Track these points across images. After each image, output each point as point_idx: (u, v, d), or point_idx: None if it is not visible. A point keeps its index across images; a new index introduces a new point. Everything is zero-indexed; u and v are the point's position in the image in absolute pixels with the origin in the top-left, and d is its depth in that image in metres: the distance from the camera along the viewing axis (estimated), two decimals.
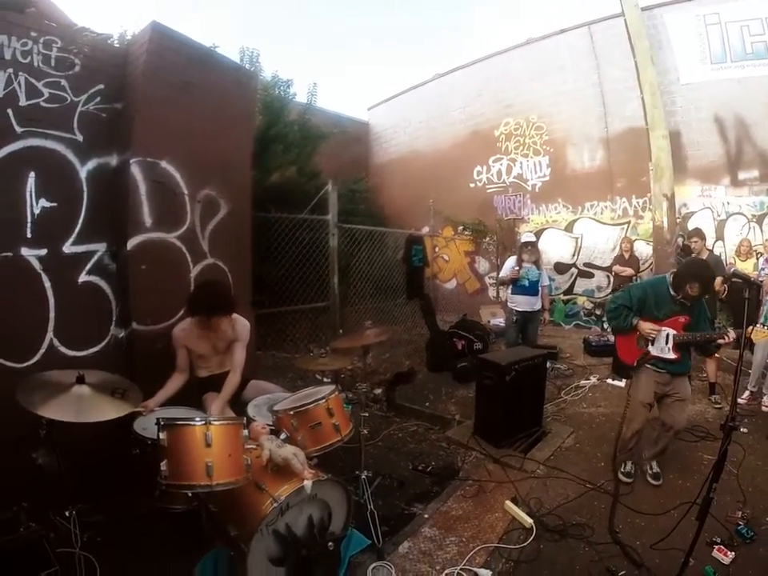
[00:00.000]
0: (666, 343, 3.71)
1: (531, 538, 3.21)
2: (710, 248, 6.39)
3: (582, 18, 10.86)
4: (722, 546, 2.96)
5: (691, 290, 3.53)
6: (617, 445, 4.30)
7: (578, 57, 10.77)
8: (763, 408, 5.28)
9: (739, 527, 3.18)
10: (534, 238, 6.97)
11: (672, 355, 3.71)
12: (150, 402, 3.31)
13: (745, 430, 4.65)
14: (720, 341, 3.57)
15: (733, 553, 2.92)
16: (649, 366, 3.83)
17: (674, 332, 3.69)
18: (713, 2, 9.14)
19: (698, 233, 6.26)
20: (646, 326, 3.71)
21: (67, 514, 2.64)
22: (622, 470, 4.00)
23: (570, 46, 10.95)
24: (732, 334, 3.48)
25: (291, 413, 3.06)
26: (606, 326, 9.69)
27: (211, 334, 3.73)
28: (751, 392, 5.58)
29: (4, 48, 3.24)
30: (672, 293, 3.69)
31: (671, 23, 9.50)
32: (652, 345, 3.78)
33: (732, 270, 4.24)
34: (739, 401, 5.43)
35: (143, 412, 3.21)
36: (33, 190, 3.45)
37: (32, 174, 3.44)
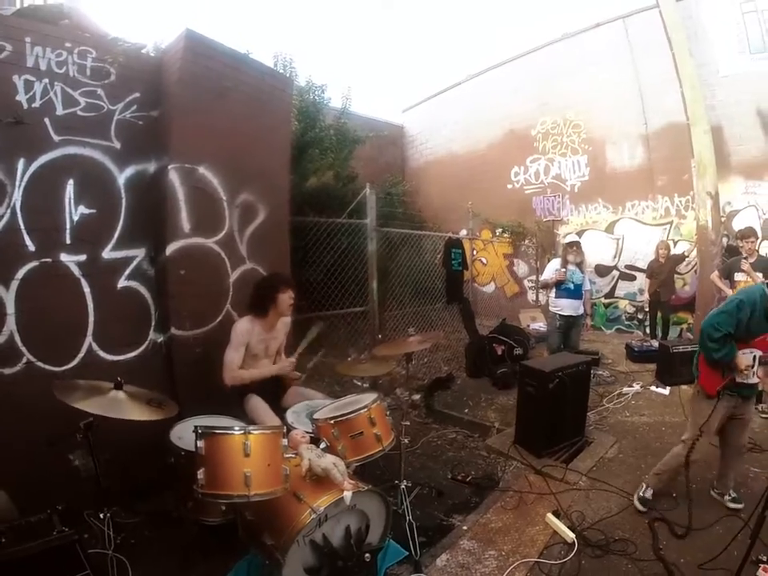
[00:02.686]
0: (753, 366, 3.23)
1: (573, 553, 3.11)
2: (757, 248, 6.09)
3: (617, 11, 10.57)
4: (767, 566, 2.78)
5: None
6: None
7: (613, 51, 10.47)
8: None
9: None
10: (578, 239, 6.77)
11: (755, 379, 3.28)
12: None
13: None
14: None
15: None
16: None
17: (761, 353, 3.24)
18: None
19: (754, 232, 6.01)
20: (742, 363, 3.18)
21: (102, 515, 2.66)
22: (640, 493, 3.64)
23: (605, 40, 10.67)
24: None
25: (332, 422, 3.00)
26: (648, 330, 9.45)
27: (268, 335, 3.81)
28: None
29: (39, 59, 3.31)
30: None
31: (707, 13, 9.10)
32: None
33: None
34: None
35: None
36: (72, 197, 3.51)
37: (70, 182, 3.50)
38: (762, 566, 2.78)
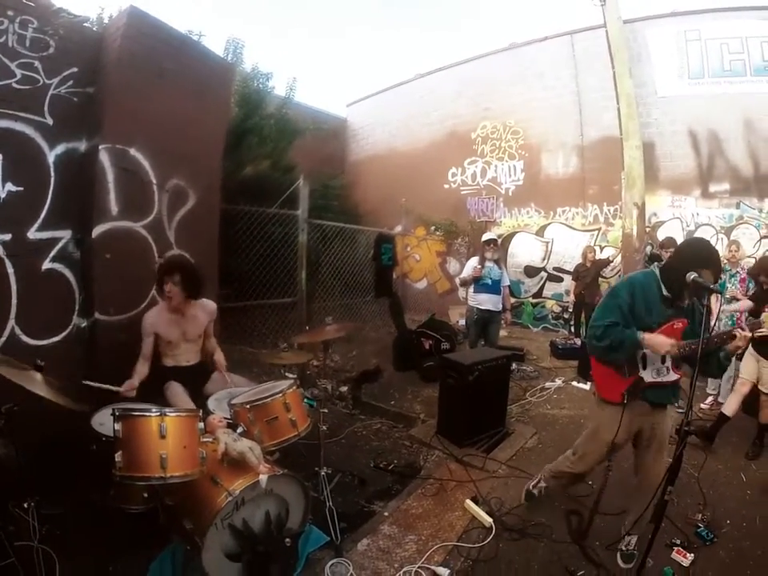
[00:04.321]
0: (663, 362, 2.79)
1: (490, 537, 3.24)
2: None
3: (565, 27, 10.98)
4: (681, 548, 3.01)
5: (698, 278, 2.51)
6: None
7: (558, 65, 10.89)
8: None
9: (699, 529, 3.24)
10: (495, 236, 6.96)
11: (673, 376, 2.81)
12: (128, 382, 3.32)
13: (707, 427, 4.66)
14: (730, 346, 2.65)
15: (692, 555, 2.97)
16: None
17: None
18: (695, 20, 9.34)
19: (674, 242, 6.38)
20: (659, 340, 2.63)
21: (26, 506, 2.60)
22: (531, 486, 3.59)
23: (551, 53, 11.06)
24: (746, 332, 2.59)
25: (248, 406, 3.03)
26: (572, 329, 9.86)
27: (181, 319, 3.74)
28: (714, 396, 5.69)
29: None
30: (664, 292, 2.75)
31: (652, 37, 9.68)
32: (644, 368, 2.82)
33: (692, 276, 4.01)
34: (702, 405, 5.61)
35: (122, 392, 3.22)
36: (0, 172, 3.37)
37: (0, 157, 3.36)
38: (675, 548, 3.01)
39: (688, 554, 2.97)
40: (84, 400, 2.89)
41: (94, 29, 4.11)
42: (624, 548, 2.96)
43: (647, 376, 2.81)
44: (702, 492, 3.65)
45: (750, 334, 2.59)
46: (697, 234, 9.07)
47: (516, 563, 3.01)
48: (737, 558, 3.05)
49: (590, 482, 3.80)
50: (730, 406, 4.58)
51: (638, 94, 9.04)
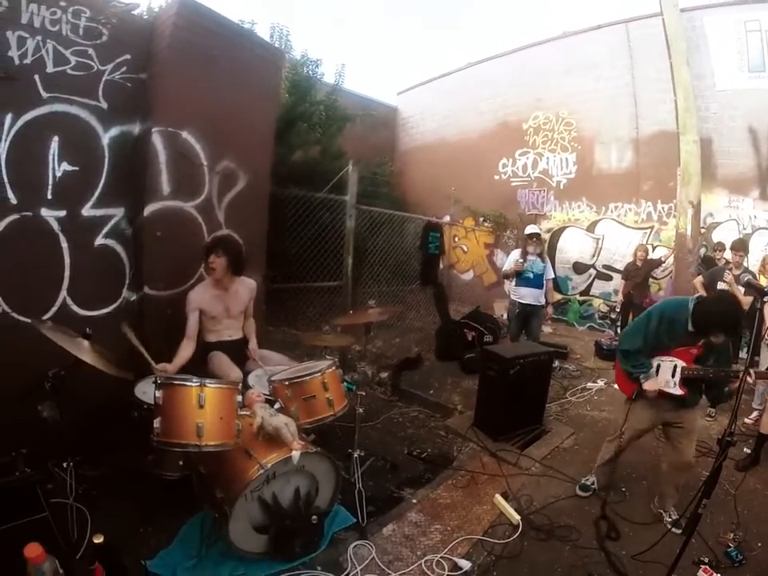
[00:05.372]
0: (673, 376, 3.17)
1: (516, 534, 3.23)
2: (746, 264, 6.20)
3: (620, 15, 10.60)
4: (708, 567, 2.88)
5: (715, 338, 3.03)
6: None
7: (612, 54, 10.53)
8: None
9: (729, 549, 3.11)
10: (537, 230, 6.84)
11: (678, 391, 3.17)
12: (169, 365, 3.39)
13: (748, 450, 4.45)
14: (733, 385, 3.08)
15: (719, 575, 2.86)
16: None
17: (684, 364, 3.15)
18: (755, 9, 8.84)
19: (744, 246, 6.12)
20: (650, 388, 3.19)
21: (65, 465, 2.75)
22: (584, 480, 3.84)
23: (605, 42, 10.70)
24: (752, 377, 2.90)
25: (286, 383, 3.12)
26: (619, 330, 9.61)
27: (224, 294, 3.89)
28: (758, 411, 5.32)
29: (34, 16, 3.28)
30: (690, 328, 3.08)
31: (710, 27, 9.23)
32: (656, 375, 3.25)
33: (746, 278, 3.76)
34: (746, 420, 5.30)
35: (153, 368, 3.29)
36: (56, 153, 3.51)
37: (56, 138, 3.50)
38: (702, 566, 2.88)
39: (714, 574, 2.84)
40: (128, 368, 3.03)
41: (145, 17, 4.20)
42: (669, 517, 3.40)
43: (656, 385, 3.20)
44: (736, 511, 3.50)
45: (752, 380, 2.95)
46: (754, 238, 8.68)
47: (539, 564, 2.99)
48: None
49: (623, 489, 3.80)
50: (766, 425, 4.33)
51: (696, 86, 8.67)
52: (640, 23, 10.08)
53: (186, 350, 3.68)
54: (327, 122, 9.41)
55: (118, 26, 3.73)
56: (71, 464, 2.75)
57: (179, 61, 3.98)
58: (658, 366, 3.26)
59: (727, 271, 5.93)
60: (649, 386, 3.19)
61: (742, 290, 5.36)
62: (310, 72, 9.64)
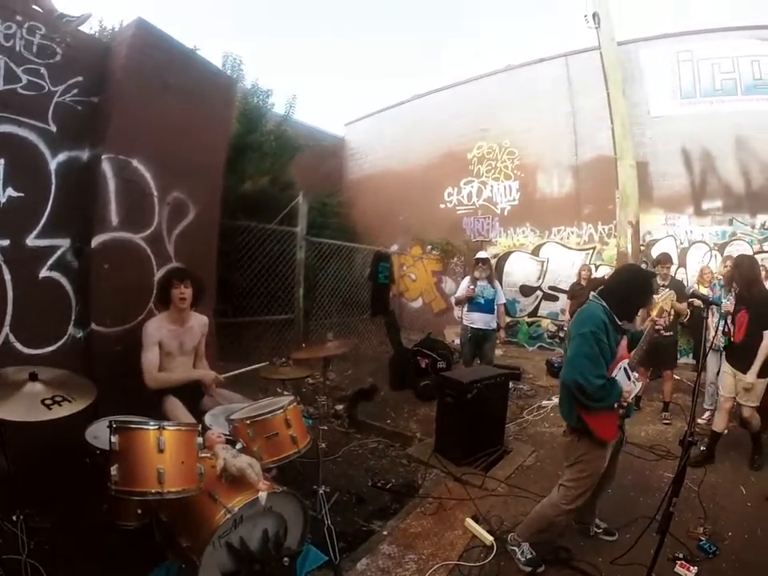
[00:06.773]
0: (629, 378, 3.00)
1: (492, 555, 3.19)
2: (672, 274, 6.60)
3: (560, 49, 11.19)
4: (684, 562, 3.00)
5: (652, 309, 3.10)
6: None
7: (554, 86, 11.03)
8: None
9: (701, 543, 3.23)
10: (486, 255, 7.00)
11: (639, 384, 3.15)
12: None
13: (703, 448, 4.64)
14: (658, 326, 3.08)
15: (696, 568, 2.96)
16: None
17: (626, 361, 3.02)
18: (687, 40, 9.58)
19: (669, 258, 6.39)
20: (627, 391, 2.91)
21: (14, 518, 2.53)
22: (519, 555, 3.12)
23: (547, 74, 11.21)
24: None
25: (248, 422, 2.97)
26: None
27: (179, 330, 3.74)
28: (710, 411, 5.66)
29: None
30: (618, 321, 2.95)
31: (645, 58, 9.91)
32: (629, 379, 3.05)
33: (691, 290, 3.94)
34: (699, 420, 5.54)
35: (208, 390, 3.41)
36: (1, 177, 3.34)
37: (1, 161, 3.33)
38: (678, 562, 2.99)
39: (691, 567, 2.96)
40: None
41: (97, 36, 4.10)
42: (599, 528, 3.40)
43: (630, 397, 2.98)
44: (702, 506, 3.68)
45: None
46: (691, 252, 9.41)
47: None
48: (740, 569, 3.06)
49: None
50: (719, 424, 4.66)
51: (632, 113, 9.22)
52: (579, 56, 10.69)
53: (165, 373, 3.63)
54: (277, 153, 9.38)
55: (73, 46, 3.63)
56: (21, 517, 2.53)
57: (133, 85, 3.90)
58: (626, 370, 3.01)
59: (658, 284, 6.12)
60: (627, 393, 2.89)
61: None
62: (260, 102, 9.60)
